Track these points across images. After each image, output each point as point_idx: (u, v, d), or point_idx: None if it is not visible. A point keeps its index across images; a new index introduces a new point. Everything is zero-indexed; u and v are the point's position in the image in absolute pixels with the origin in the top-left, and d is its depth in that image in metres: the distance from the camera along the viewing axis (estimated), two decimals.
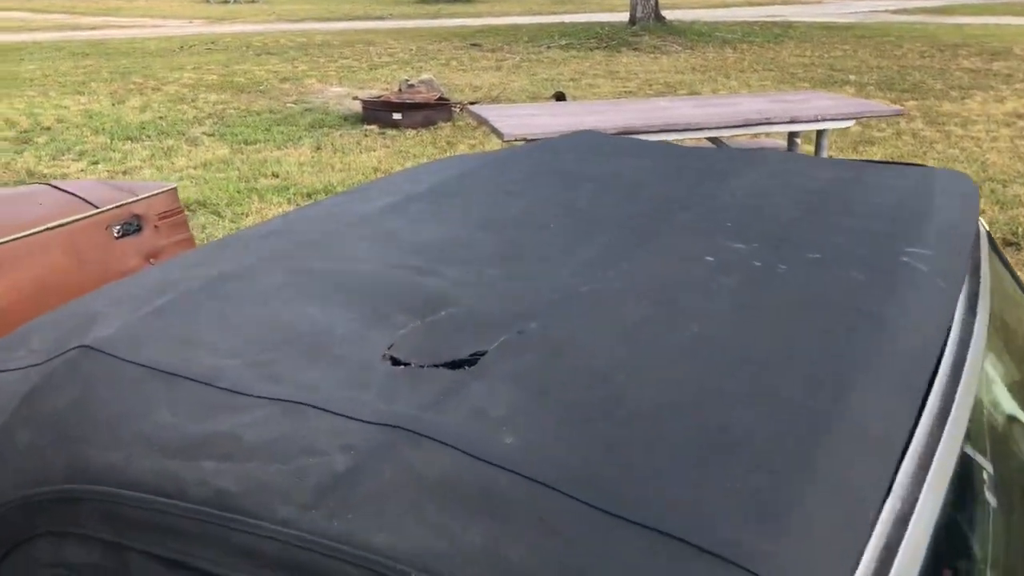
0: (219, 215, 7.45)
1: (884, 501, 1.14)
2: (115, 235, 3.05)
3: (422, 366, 1.39)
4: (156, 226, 3.17)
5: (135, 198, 3.14)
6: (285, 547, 1.10)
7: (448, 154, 9.52)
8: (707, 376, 1.32)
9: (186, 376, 1.39)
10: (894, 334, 1.45)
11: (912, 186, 2.27)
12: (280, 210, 7.53)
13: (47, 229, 2.84)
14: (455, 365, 1.38)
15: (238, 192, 8.10)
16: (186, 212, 7.48)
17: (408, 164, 9.06)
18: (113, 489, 1.25)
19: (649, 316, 1.50)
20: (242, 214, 7.51)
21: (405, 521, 1.08)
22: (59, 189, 3.11)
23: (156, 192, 3.22)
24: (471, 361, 1.38)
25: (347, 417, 1.26)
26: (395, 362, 1.40)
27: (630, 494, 1.09)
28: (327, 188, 8.27)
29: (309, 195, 8.04)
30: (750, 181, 2.26)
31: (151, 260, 3.12)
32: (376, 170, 8.93)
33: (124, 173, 8.90)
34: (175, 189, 3.31)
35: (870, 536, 1.08)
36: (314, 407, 1.29)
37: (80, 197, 3.03)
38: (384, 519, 1.09)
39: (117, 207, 3.06)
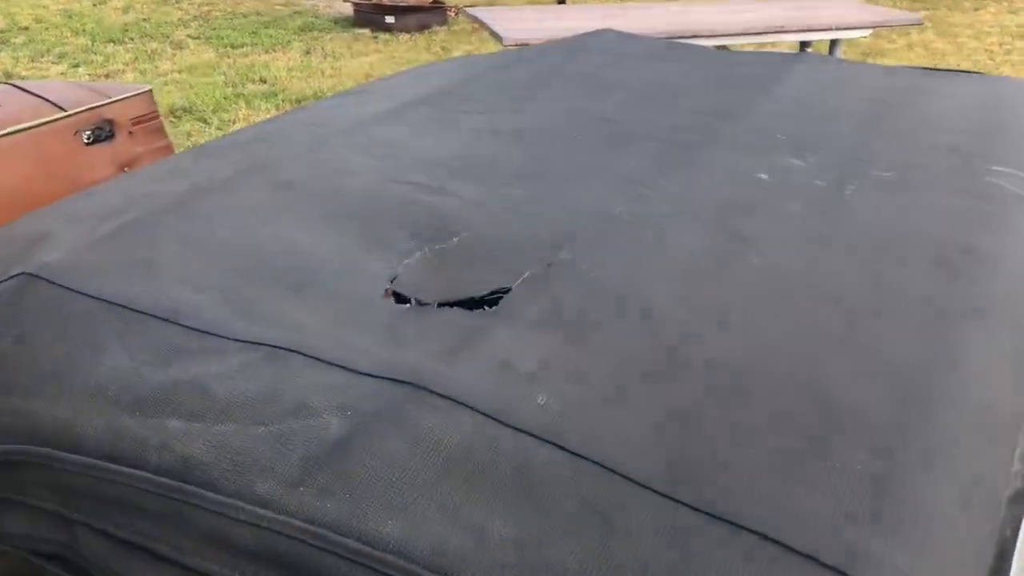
0: (205, 122, 7.12)
1: (1008, 485, 0.92)
2: (84, 141, 2.77)
3: (432, 305, 1.15)
4: (130, 132, 2.89)
5: (106, 100, 2.85)
6: (264, 535, 0.87)
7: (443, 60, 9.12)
8: (786, 323, 1.08)
9: (147, 312, 1.15)
10: (1001, 274, 1.21)
11: (975, 94, 2.01)
12: (268, 118, 7.20)
13: (8, 134, 2.56)
14: (473, 305, 1.14)
15: (224, 98, 7.75)
16: (171, 119, 7.15)
17: (402, 70, 8.68)
18: (58, 452, 1.02)
19: (703, 246, 1.26)
20: (229, 121, 7.18)
21: (417, 506, 0.86)
22: (22, 89, 2.81)
23: (130, 94, 2.93)
24: (492, 300, 1.14)
25: (343, 368, 1.03)
26: (399, 299, 1.17)
27: (705, 478, 0.86)
28: (317, 94, 7.92)
29: (298, 101, 7.68)
30: (795, 88, 2.00)
31: (125, 169, 2.85)
32: (368, 76, 8.54)
33: (106, 76, 8.50)
34: (151, 91, 3.02)
35: (997, 534, 0.87)
36: (302, 354, 1.05)
37: (45, 99, 2.74)
38: (391, 502, 0.86)
39: (87, 110, 2.77)
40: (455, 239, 1.29)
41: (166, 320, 1.13)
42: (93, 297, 1.18)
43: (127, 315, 1.15)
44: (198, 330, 1.11)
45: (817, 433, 0.91)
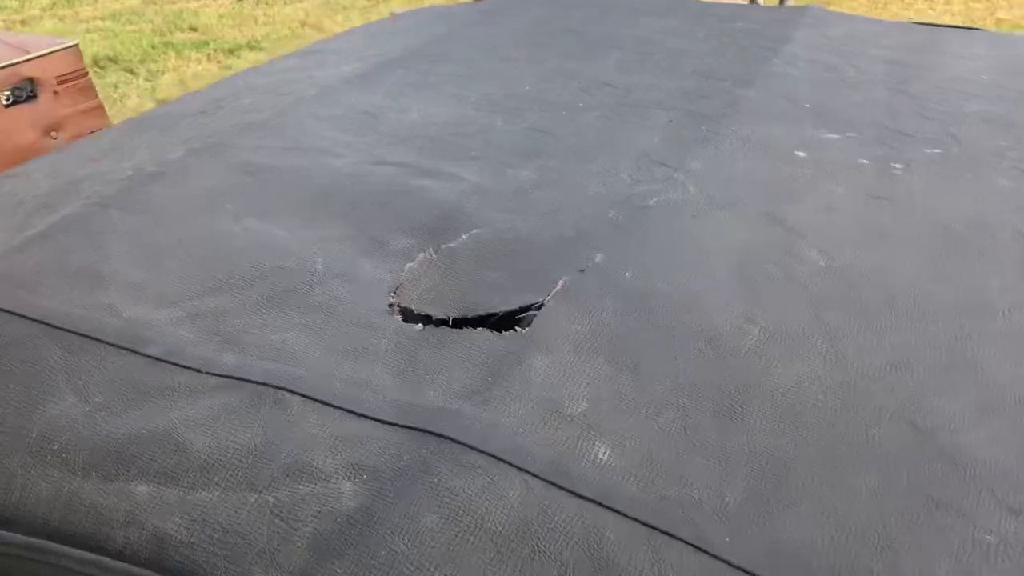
0: (132, 72, 6.72)
1: None
2: (3, 103, 2.48)
3: (450, 324, 0.96)
4: (55, 91, 2.60)
5: (27, 56, 2.56)
6: None
7: (382, 7, 8.77)
8: (875, 345, 0.91)
9: (100, 338, 0.94)
10: None
11: (993, 54, 1.86)
12: (200, 68, 6.83)
13: None
14: (500, 324, 0.95)
15: (152, 47, 7.33)
16: (95, 69, 6.72)
17: (339, 17, 8.33)
18: None
19: (755, 243, 1.08)
20: (157, 71, 6.80)
21: None
22: None
23: (53, 49, 2.64)
24: (524, 318, 0.96)
25: (351, 412, 0.83)
26: (408, 317, 0.97)
27: (817, 561, 0.70)
28: (251, 43, 7.54)
29: (231, 51, 7.31)
30: (806, 47, 1.82)
31: (52, 134, 2.58)
32: (304, 23, 8.18)
33: (22, 23, 7.99)
34: (76, 46, 2.73)
35: None
36: (298, 394, 0.86)
37: None
38: None
39: (5, 68, 2.49)
40: (464, 236, 1.10)
41: (124, 348, 0.92)
42: (29, 319, 0.96)
43: (74, 342, 0.93)
44: (165, 361, 0.90)
45: (940, 490, 0.75)
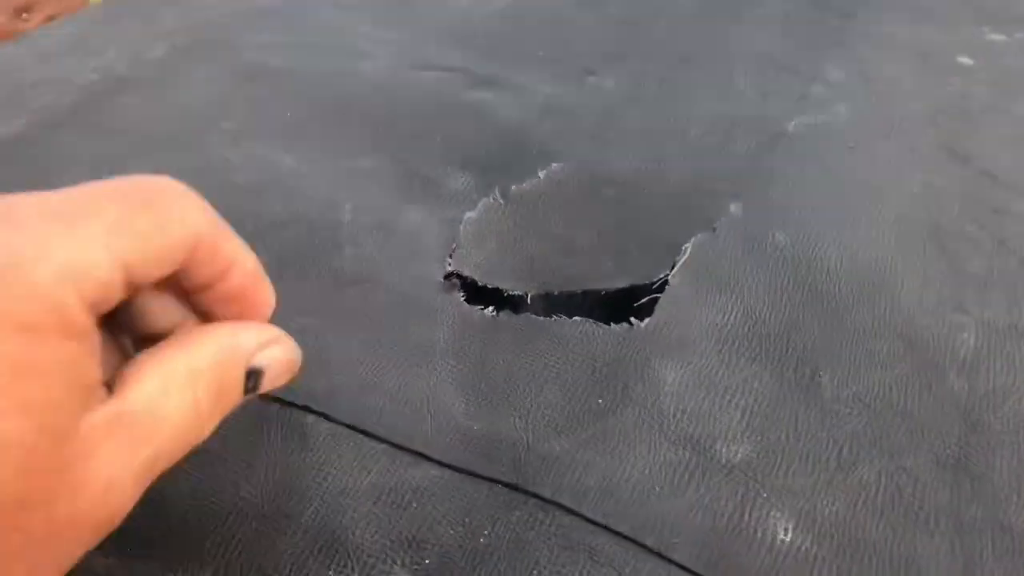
0: None
1: None
2: None
3: (530, 305, 0.69)
4: None
5: None
6: None
7: None
8: None
9: None
10: None
11: None
12: None
13: None
14: (608, 310, 0.68)
15: None
16: None
17: None
18: None
19: (940, 191, 0.80)
20: None
21: None
22: None
23: None
24: (640, 305, 0.68)
25: (406, 450, 0.57)
26: (472, 294, 0.70)
27: None
28: None
29: None
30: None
31: (24, 15, 2.26)
32: None
33: None
34: None
35: None
36: (326, 418, 0.59)
37: None
38: None
39: None
40: (540, 174, 0.82)
41: None
42: None
43: None
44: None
45: None
